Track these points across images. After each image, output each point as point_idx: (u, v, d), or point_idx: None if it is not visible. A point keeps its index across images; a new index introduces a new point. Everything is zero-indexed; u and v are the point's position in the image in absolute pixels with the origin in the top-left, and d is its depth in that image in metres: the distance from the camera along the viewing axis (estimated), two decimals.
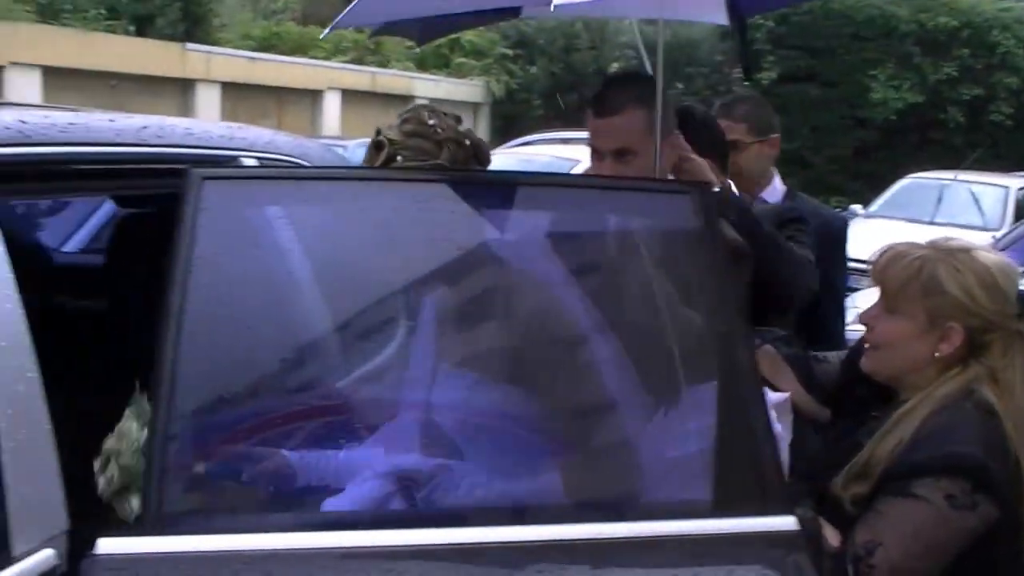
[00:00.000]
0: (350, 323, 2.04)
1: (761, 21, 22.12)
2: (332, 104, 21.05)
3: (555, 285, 2.12)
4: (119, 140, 2.25)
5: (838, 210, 7.32)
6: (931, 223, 12.27)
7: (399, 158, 2.26)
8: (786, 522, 1.85)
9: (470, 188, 2.20)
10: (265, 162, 2.56)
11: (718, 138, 3.12)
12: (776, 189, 3.63)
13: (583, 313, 2.12)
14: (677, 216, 2.11)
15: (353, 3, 3.27)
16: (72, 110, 2.38)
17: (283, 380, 2.01)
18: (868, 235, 6.15)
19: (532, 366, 2.11)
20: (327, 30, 5.48)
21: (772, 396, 2.11)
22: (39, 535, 1.83)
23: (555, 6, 2.54)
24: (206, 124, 2.63)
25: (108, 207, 4.74)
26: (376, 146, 2.30)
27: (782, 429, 2.27)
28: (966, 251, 2.31)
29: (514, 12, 3.59)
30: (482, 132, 24.78)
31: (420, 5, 3.41)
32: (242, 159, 2.52)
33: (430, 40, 4.86)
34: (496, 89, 24.50)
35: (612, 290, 2.14)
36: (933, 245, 2.34)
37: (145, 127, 2.34)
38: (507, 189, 2.20)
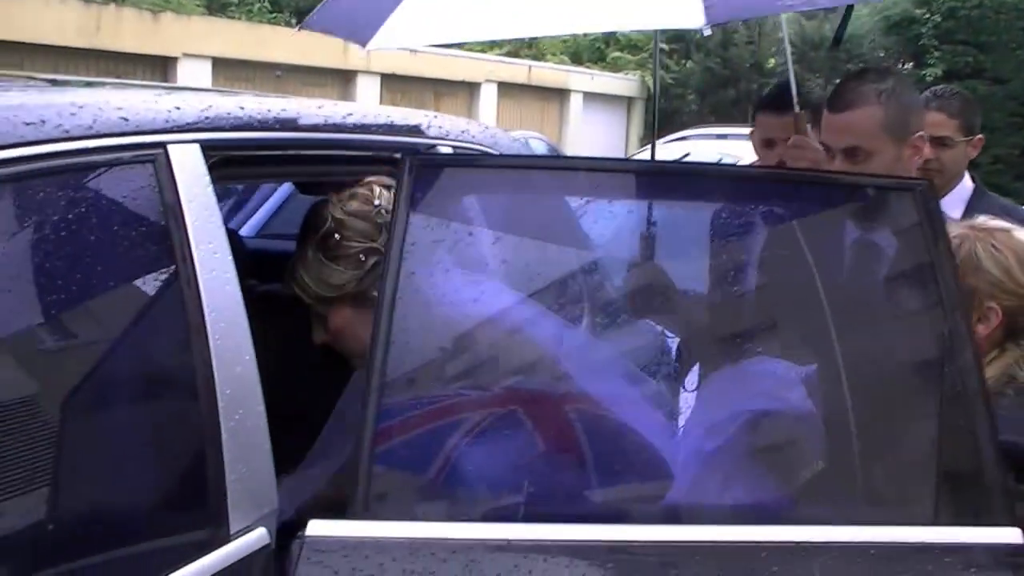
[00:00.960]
0: (557, 312, 2.04)
1: (927, 16, 21.51)
2: (489, 96, 21.23)
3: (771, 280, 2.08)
4: (327, 126, 2.29)
5: None
6: None
7: (336, 236, 2.25)
8: (1010, 535, 1.77)
9: (681, 180, 2.16)
10: (459, 151, 2.57)
11: None
12: (965, 187, 3.53)
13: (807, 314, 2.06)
14: (898, 213, 2.04)
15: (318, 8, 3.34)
16: (284, 97, 2.42)
17: (492, 369, 2.00)
18: None
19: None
20: (297, 27, 5.61)
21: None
22: (253, 514, 1.87)
23: None
24: (404, 112, 2.64)
25: (282, 191, 4.84)
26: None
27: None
28: (1005, 231, 2.27)
29: None
30: (636, 126, 24.76)
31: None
32: (439, 147, 2.54)
33: None
34: (651, 84, 24.36)
35: (840, 291, 2.08)
36: (971, 225, 2.31)
37: (349, 114, 2.37)
38: (715, 182, 2.16)
